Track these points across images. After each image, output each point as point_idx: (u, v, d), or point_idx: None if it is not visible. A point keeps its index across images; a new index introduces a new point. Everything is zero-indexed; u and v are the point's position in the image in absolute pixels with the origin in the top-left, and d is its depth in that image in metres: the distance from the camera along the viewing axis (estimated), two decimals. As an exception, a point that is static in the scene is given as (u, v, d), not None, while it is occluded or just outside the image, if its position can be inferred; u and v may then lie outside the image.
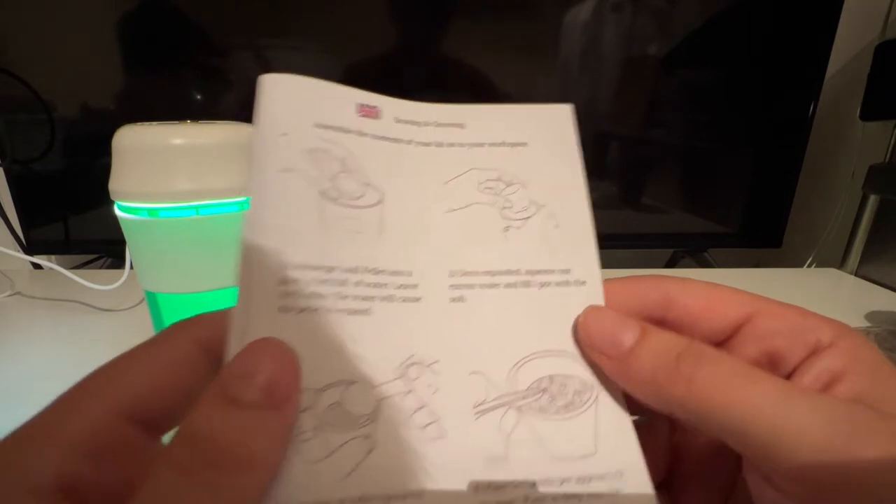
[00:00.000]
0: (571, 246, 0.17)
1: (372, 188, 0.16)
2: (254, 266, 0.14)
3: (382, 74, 0.58)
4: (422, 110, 0.18)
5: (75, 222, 0.61)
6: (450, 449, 0.14)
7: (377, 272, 0.15)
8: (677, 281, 0.16)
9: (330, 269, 0.14)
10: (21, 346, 0.43)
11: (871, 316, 0.50)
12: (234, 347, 0.12)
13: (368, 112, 0.17)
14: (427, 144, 0.17)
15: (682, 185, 0.66)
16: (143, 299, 0.32)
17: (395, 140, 0.17)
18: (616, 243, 0.65)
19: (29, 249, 0.60)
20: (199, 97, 0.58)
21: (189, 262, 0.29)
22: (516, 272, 0.16)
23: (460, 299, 0.16)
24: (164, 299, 0.31)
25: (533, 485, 0.14)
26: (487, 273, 0.16)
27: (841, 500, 0.11)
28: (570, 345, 0.16)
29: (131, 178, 0.27)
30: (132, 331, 0.45)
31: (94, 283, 0.48)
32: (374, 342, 0.14)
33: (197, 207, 0.27)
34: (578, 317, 0.15)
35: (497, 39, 0.57)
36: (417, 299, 0.15)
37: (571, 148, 0.18)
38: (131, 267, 0.31)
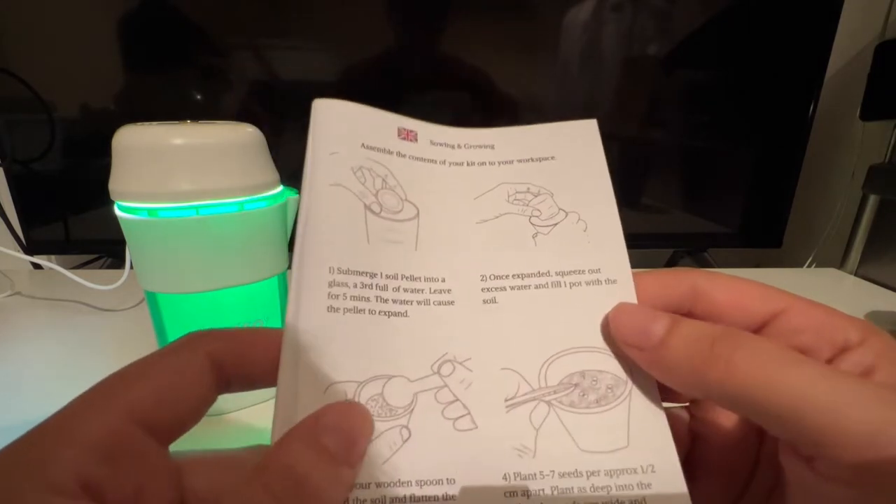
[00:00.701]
0: (600, 247, 0.17)
1: (409, 203, 0.18)
2: (305, 268, 0.15)
3: (382, 74, 0.58)
4: (455, 134, 0.19)
5: (75, 222, 0.61)
6: (481, 440, 0.14)
7: (414, 279, 0.16)
8: (705, 274, 0.16)
9: (373, 276, 0.16)
10: (21, 346, 0.43)
11: (871, 316, 0.50)
12: (287, 341, 0.14)
13: (407, 135, 0.19)
14: (459, 164, 0.19)
15: (682, 185, 0.66)
16: (143, 299, 0.32)
17: (431, 161, 0.19)
18: (616, 243, 0.65)
19: (29, 249, 0.60)
20: (199, 97, 0.58)
21: (189, 262, 0.29)
22: (546, 274, 0.17)
23: (492, 301, 0.17)
24: (164, 299, 0.31)
25: (561, 476, 0.14)
26: (518, 276, 0.17)
27: (889, 484, 0.11)
28: (602, 341, 0.16)
29: (131, 178, 0.27)
30: (132, 331, 0.45)
31: (94, 283, 0.48)
32: (411, 341, 0.16)
33: (197, 207, 0.27)
34: (608, 313, 0.16)
35: (497, 39, 0.57)
36: (451, 302, 0.16)
37: (597, 158, 0.19)
38: (131, 267, 0.31)
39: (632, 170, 0.65)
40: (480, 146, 0.19)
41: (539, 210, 0.18)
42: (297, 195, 0.34)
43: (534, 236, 0.18)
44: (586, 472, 0.14)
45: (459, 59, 0.58)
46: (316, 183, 0.16)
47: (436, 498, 0.13)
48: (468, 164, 0.19)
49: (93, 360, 0.40)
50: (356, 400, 0.14)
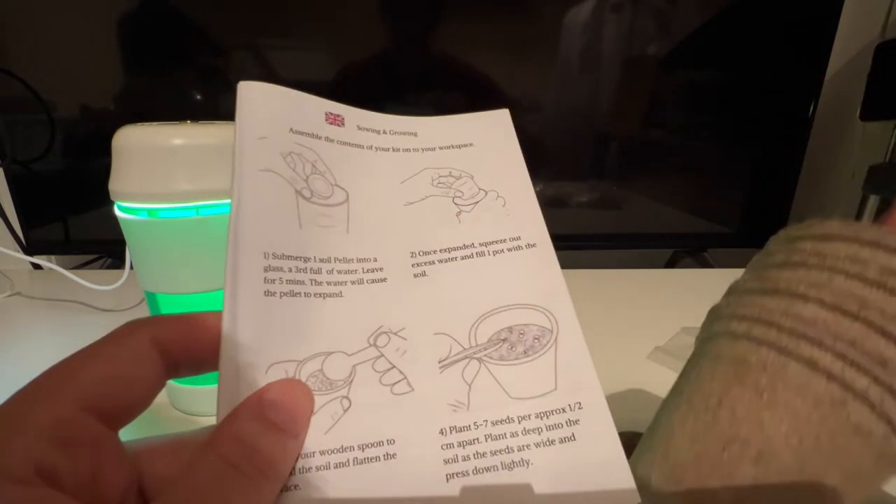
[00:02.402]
0: (519, 217, 0.19)
1: (339, 188, 0.18)
2: (240, 255, 0.15)
3: (381, 74, 0.58)
4: (379, 120, 0.20)
5: (75, 222, 0.62)
6: (417, 401, 0.15)
7: (346, 261, 0.17)
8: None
9: (307, 259, 0.16)
10: (21, 346, 0.43)
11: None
12: (226, 327, 0.14)
13: (334, 120, 0.19)
14: (385, 150, 0.20)
15: (681, 185, 0.66)
16: (143, 299, 0.32)
17: (358, 146, 0.19)
18: (616, 243, 0.65)
19: (29, 249, 0.60)
20: (199, 97, 0.58)
21: (189, 262, 0.29)
22: (471, 246, 0.18)
23: (422, 274, 0.18)
24: (164, 299, 0.31)
25: (494, 423, 0.15)
26: (445, 250, 0.18)
27: None
28: (528, 297, 0.17)
29: (131, 179, 0.27)
30: (132, 331, 0.45)
31: (94, 283, 0.48)
32: (347, 318, 0.16)
33: (197, 207, 0.27)
34: None
35: (497, 39, 0.57)
36: (384, 280, 0.17)
37: (512, 143, 0.21)
38: (131, 267, 0.31)
39: (632, 169, 0.65)
40: (404, 133, 0.20)
41: (461, 191, 0.19)
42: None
43: (457, 214, 0.19)
44: (517, 418, 0.15)
45: (458, 60, 0.58)
46: (245, 168, 0.16)
47: (377, 458, 0.14)
48: (393, 150, 0.20)
49: (93, 361, 0.39)
50: (296, 377, 0.15)
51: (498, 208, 0.19)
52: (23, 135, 0.58)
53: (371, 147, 0.20)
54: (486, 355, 0.16)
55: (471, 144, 0.21)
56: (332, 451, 0.14)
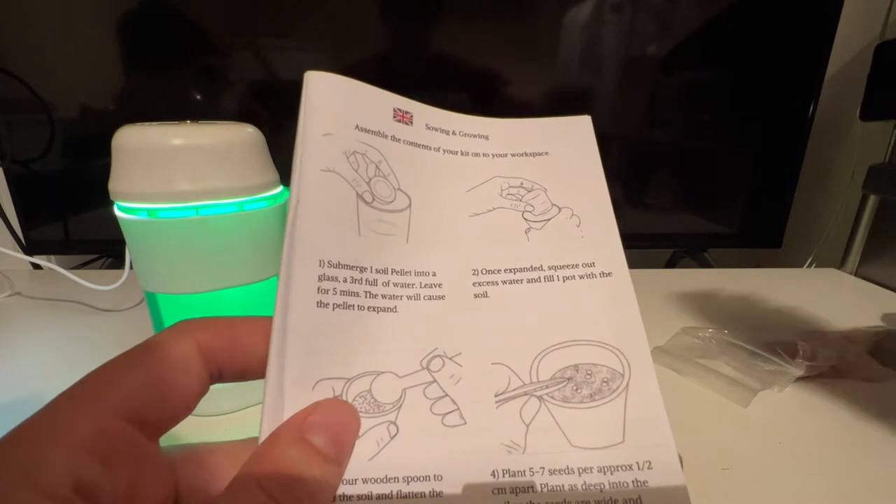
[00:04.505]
0: (594, 241, 0.17)
1: (402, 193, 0.17)
2: (295, 261, 0.15)
3: (382, 74, 0.58)
4: (450, 119, 0.19)
5: (75, 222, 0.61)
6: (469, 436, 0.14)
7: (404, 273, 0.16)
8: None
9: (363, 270, 0.16)
10: (21, 346, 0.43)
11: (871, 316, 0.50)
12: (275, 337, 0.14)
13: (402, 117, 0.18)
14: (454, 153, 0.18)
15: (682, 185, 0.66)
16: (143, 299, 0.32)
17: (425, 146, 0.18)
18: (616, 243, 0.65)
19: (29, 249, 0.60)
20: (199, 97, 0.58)
21: (189, 262, 0.29)
22: (539, 268, 0.17)
23: (483, 295, 0.16)
24: (164, 299, 0.31)
25: (551, 472, 0.14)
26: (510, 270, 0.17)
27: None
28: (599, 333, 0.16)
29: (131, 179, 0.27)
30: (132, 331, 0.45)
31: (93, 283, 0.48)
32: (401, 337, 0.15)
33: (197, 207, 0.27)
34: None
35: (497, 39, 0.57)
36: (442, 297, 0.16)
37: (591, 154, 0.19)
38: (131, 267, 0.31)
39: (632, 170, 0.65)
40: (475, 135, 0.19)
41: (532, 205, 0.18)
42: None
43: (527, 231, 0.18)
44: (578, 469, 0.14)
45: (459, 60, 0.58)
46: (307, 167, 0.16)
47: (423, 494, 0.13)
48: (462, 154, 0.19)
49: (93, 361, 0.39)
50: (344, 397, 0.14)
51: (572, 228, 0.18)
52: (23, 135, 0.58)
53: (439, 149, 0.18)
54: (547, 394, 0.15)
55: (546, 153, 0.19)
56: (376, 481, 0.13)
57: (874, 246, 0.62)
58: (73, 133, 0.58)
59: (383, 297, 0.16)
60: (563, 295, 0.16)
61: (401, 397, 0.15)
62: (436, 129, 0.19)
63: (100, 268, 0.68)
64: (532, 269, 0.17)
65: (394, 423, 0.14)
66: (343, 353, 0.14)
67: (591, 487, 0.13)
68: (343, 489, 0.13)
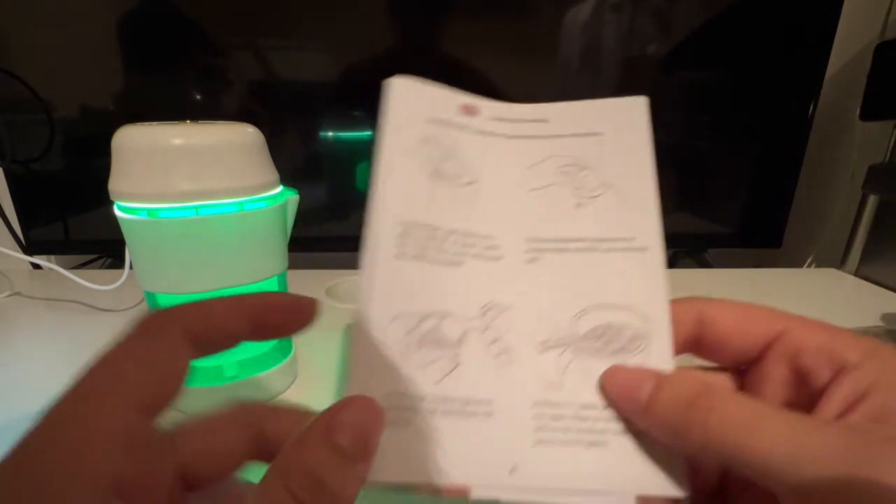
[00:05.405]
0: (636, 219, 0.19)
1: (469, 171, 0.20)
2: (378, 221, 0.18)
3: (382, 74, 0.58)
4: (511, 109, 0.22)
5: (75, 222, 0.61)
6: (517, 373, 0.17)
7: (469, 235, 0.19)
8: (710, 302, 0.18)
9: (435, 230, 0.19)
10: (21, 346, 0.43)
11: (870, 316, 0.50)
12: (363, 278, 0.17)
13: (469, 110, 0.21)
14: (516, 137, 0.21)
15: (682, 185, 0.66)
16: (143, 299, 0.32)
17: (490, 133, 0.21)
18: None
19: (28, 249, 0.60)
20: (199, 97, 0.58)
21: (189, 262, 0.29)
22: (584, 240, 0.19)
23: (535, 260, 0.19)
24: (164, 299, 0.31)
25: (582, 406, 0.17)
26: (559, 241, 0.19)
27: None
28: (630, 299, 0.18)
29: (131, 179, 0.27)
30: (132, 331, 0.45)
31: (93, 283, 0.48)
32: (464, 287, 0.18)
33: (197, 207, 0.27)
34: (603, 374, 0.17)
35: (497, 39, 0.57)
36: (499, 258, 0.19)
37: (642, 136, 0.21)
38: (131, 267, 0.31)
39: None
40: (534, 120, 0.21)
41: (583, 183, 0.20)
42: (297, 195, 0.34)
43: (576, 206, 0.20)
44: (601, 406, 0.17)
45: (459, 60, 0.58)
46: (388, 150, 0.19)
47: (476, 413, 0.16)
48: (523, 137, 0.21)
49: (93, 361, 0.39)
50: (415, 332, 0.17)
51: (617, 205, 0.20)
52: (23, 135, 0.58)
53: (502, 135, 0.21)
54: (583, 346, 0.18)
55: (600, 133, 0.21)
56: (440, 400, 0.16)
57: (874, 246, 0.62)
58: (73, 133, 0.59)
59: (452, 253, 0.19)
60: (603, 264, 0.19)
61: (462, 336, 0.17)
62: (499, 119, 0.21)
63: (100, 268, 0.68)
64: (579, 240, 0.19)
65: (456, 356, 0.17)
66: (417, 296, 0.17)
67: (612, 420, 0.17)
68: (414, 404, 0.16)
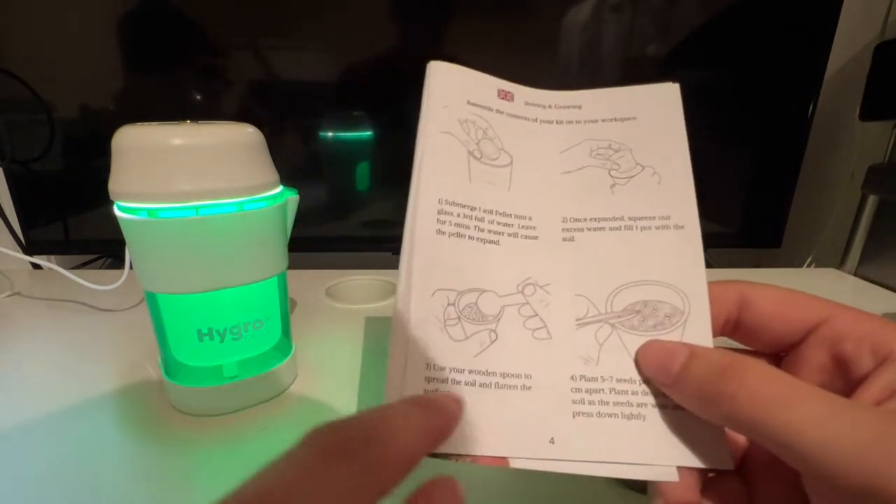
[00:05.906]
0: (672, 197, 0.20)
1: (505, 152, 0.21)
2: (419, 198, 0.18)
3: (382, 74, 0.58)
4: (546, 96, 0.22)
5: (75, 222, 0.61)
6: (554, 347, 0.18)
7: (506, 215, 0.19)
8: (753, 284, 0.18)
9: (473, 209, 0.19)
10: (21, 346, 0.43)
11: (886, 318, 0.50)
12: (404, 253, 0.18)
13: (505, 96, 0.22)
14: (550, 122, 0.22)
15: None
16: (143, 299, 0.32)
17: (525, 118, 0.21)
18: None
19: (29, 249, 0.60)
20: (199, 97, 0.58)
21: (189, 262, 0.29)
22: (620, 219, 0.19)
23: (570, 239, 0.19)
24: (164, 299, 0.31)
25: (618, 381, 0.17)
26: (595, 220, 0.20)
27: None
28: (667, 276, 0.18)
29: (131, 179, 0.27)
30: (132, 331, 0.45)
31: (93, 283, 0.48)
32: (502, 264, 0.19)
33: (197, 207, 0.27)
34: (638, 348, 0.17)
35: (497, 39, 0.57)
36: (536, 237, 0.19)
37: (676, 120, 0.22)
38: (131, 267, 0.31)
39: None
40: (569, 106, 0.22)
41: (618, 164, 0.21)
42: (297, 195, 0.34)
43: (612, 186, 0.20)
44: (638, 381, 0.17)
45: (459, 60, 0.58)
46: (429, 130, 0.20)
47: (514, 386, 0.17)
48: (557, 123, 0.22)
49: (93, 360, 0.40)
50: (455, 306, 0.17)
51: (653, 185, 0.20)
52: (23, 135, 0.58)
53: (537, 119, 0.22)
54: (619, 322, 0.18)
55: (634, 118, 0.22)
56: (479, 372, 0.17)
57: (874, 246, 0.62)
58: (73, 133, 0.58)
59: (489, 231, 0.19)
60: (639, 242, 0.19)
61: (500, 312, 0.18)
62: (534, 105, 0.22)
63: (100, 268, 0.68)
64: (614, 219, 0.19)
65: (494, 331, 0.18)
66: (456, 271, 0.18)
67: (649, 394, 0.17)
68: (453, 375, 0.16)
